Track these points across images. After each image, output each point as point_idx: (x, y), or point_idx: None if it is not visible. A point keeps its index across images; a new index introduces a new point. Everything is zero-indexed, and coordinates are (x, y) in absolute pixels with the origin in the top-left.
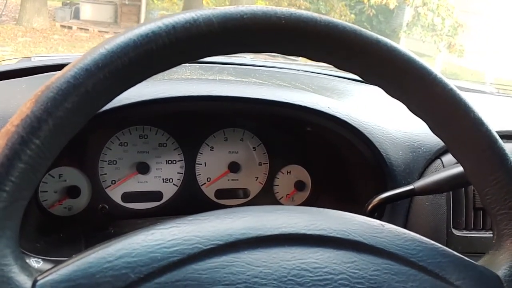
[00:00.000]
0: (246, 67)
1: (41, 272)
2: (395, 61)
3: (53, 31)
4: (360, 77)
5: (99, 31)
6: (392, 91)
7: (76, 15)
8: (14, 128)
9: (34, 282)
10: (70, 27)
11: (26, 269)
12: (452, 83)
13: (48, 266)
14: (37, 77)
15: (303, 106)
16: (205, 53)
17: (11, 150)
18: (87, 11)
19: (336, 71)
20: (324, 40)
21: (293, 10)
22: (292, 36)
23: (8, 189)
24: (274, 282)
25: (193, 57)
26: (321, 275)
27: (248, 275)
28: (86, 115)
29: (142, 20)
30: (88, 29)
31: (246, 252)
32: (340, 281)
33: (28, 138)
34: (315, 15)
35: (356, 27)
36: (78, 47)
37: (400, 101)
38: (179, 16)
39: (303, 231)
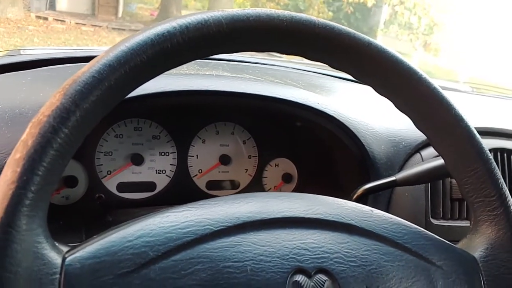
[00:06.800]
0: (239, 64)
1: (69, 249)
2: (384, 62)
3: (28, 22)
4: (352, 76)
5: (76, 23)
6: (381, 89)
7: (52, 6)
8: (45, 118)
9: (63, 258)
10: (46, 18)
11: (55, 246)
12: (436, 83)
13: None
14: (26, 73)
15: (294, 101)
16: (215, 51)
17: (44, 138)
18: (64, 2)
19: (324, 69)
20: (321, 41)
21: (294, 13)
22: (293, 37)
23: (41, 173)
24: (278, 259)
25: (204, 54)
26: (318, 254)
27: (254, 253)
28: (108, 107)
29: (119, 13)
30: (64, 21)
31: (252, 233)
32: (335, 259)
33: (58, 127)
34: (314, 18)
35: (350, 30)
36: (54, 39)
37: (388, 98)
38: (191, 17)
39: (302, 215)
